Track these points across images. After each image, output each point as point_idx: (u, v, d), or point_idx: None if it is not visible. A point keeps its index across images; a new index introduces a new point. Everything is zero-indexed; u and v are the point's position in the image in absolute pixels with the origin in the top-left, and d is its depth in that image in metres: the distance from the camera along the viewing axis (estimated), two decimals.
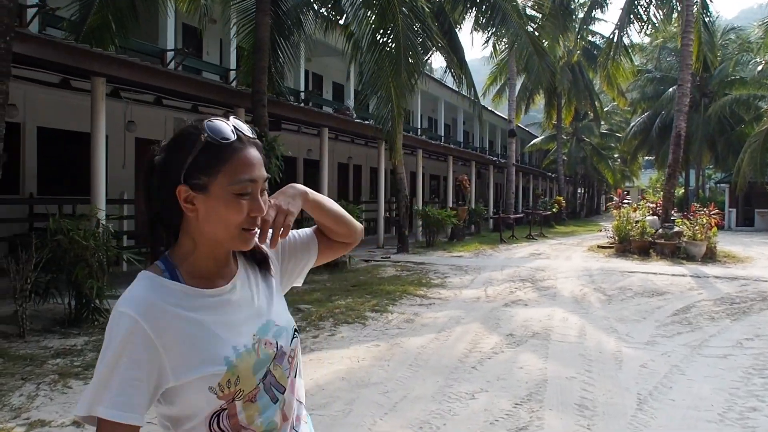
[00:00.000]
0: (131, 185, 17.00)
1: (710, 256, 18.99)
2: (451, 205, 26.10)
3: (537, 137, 53.64)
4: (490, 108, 44.58)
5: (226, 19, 15.61)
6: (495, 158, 36.66)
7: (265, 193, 1.49)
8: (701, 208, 20.67)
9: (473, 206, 29.34)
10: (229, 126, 1.45)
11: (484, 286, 13.22)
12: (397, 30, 14.15)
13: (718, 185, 51.37)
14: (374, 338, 8.12)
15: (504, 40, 19.17)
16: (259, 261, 1.64)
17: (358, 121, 17.66)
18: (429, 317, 9.73)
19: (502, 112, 44.88)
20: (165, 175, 1.44)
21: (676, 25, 47.41)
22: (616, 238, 20.85)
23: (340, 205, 1.78)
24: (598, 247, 22.33)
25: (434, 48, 18.19)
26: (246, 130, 1.49)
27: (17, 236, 10.11)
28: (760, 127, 34.31)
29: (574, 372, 6.71)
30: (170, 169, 1.43)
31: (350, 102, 22.52)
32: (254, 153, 1.47)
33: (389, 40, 14.28)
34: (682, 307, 11.02)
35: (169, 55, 16.09)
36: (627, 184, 72.18)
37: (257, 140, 1.52)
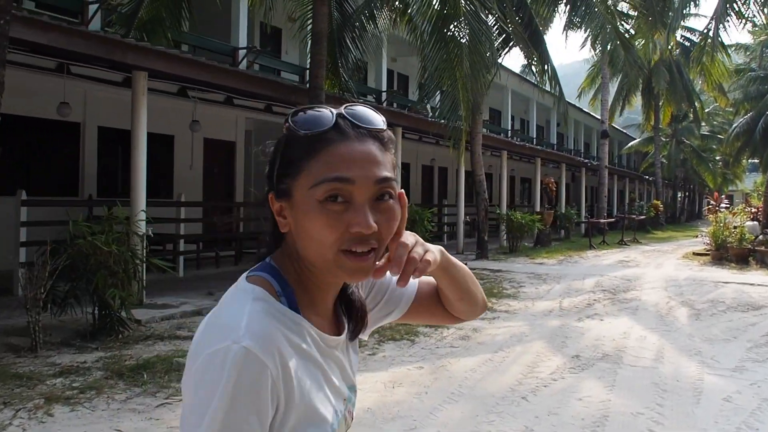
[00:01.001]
0: (198, 186, 16.84)
1: None
2: (538, 209, 25.08)
3: (635, 139, 51.81)
4: (586, 110, 43.37)
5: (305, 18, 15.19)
6: (587, 160, 35.27)
7: (392, 204, 1.12)
8: None
9: (562, 210, 28.29)
10: (328, 112, 1.13)
11: (560, 297, 12.34)
12: (459, 18, 13.28)
13: None
14: (420, 359, 7.34)
15: (589, 33, 17.88)
16: (354, 310, 1.30)
17: (433, 120, 16.85)
18: (489, 333, 8.95)
19: (599, 114, 43.64)
20: (267, 181, 1.19)
21: None
22: (713, 244, 19.52)
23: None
24: (694, 254, 21.04)
25: (513, 41, 17.27)
26: (363, 117, 1.14)
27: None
28: None
29: (643, 406, 5.82)
30: (269, 173, 1.18)
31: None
32: (362, 147, 1.11)
33: (452, 29, 13.35)
34: None
35: (241, 53, 15.80)
36: (730, 188, 69.49)
37: (383, 132, 1.15)
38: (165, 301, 9.95)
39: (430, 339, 8.38)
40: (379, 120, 1.15)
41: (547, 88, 19.21)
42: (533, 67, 17.57)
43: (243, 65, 15.07)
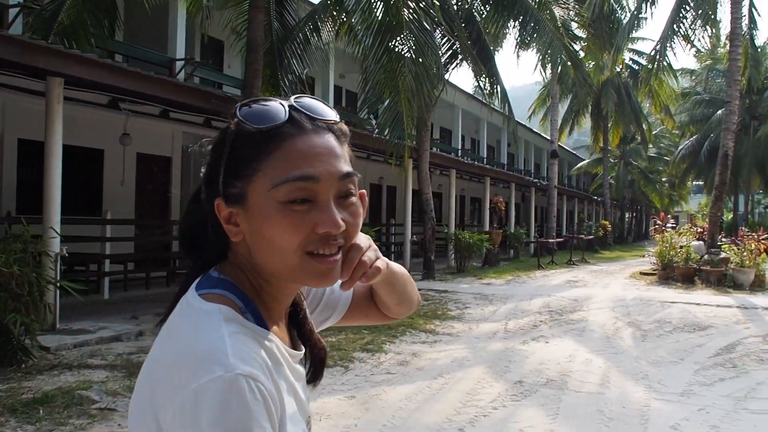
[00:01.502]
0: (130, 203, 16.19)
1: (759, 285, 17.52)
2: (487, 229, 24.85)
3: (585, 160, 52.21)
4: (537, 130, 43.54)
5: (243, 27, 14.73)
6: (536, 180, 35.26)
7: (355, 200, 1.03)
8: (750, 233, 19.20)
9: (512, 230, 28.15)
10: (279, 105, 1.01)
11: (505, 318, 12.02)
12: (402, 28, 12.81)
13: None
14: (352, 387, 6.86)
15: (539, 51, 17.66)
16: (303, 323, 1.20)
17: (377, 136, 16.45)
18: (429, 358, 8.56)
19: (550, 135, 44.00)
20: (207, 185, 1.05)
21: (722, 46, 46.26)
22: (659, 264, 19.45)
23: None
24: (641, 273, 20.97)
25: (461, 56, 16.99)
26: (317, 109, 1.04)
27: None
28: None
29: None
30: (210, 176, 1.03)
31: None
32: (322, 141, 1.01)
33: (396, 41, 12.92)
34: (726, 345, 9.72)
35: (179, 65, 15.32)
36: (676, 208, 70.50)
37: (338, 124, 1.06)
38: (82, 326, 9.23)
39: (365, 365, 7.93)
40: (333, 112, 1.06)
41: (497, 106, 19.04)
42: (482, 84, 17.27)
43: (181, 77, 14.59)
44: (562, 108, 41.32)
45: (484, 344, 9.53)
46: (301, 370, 1.12)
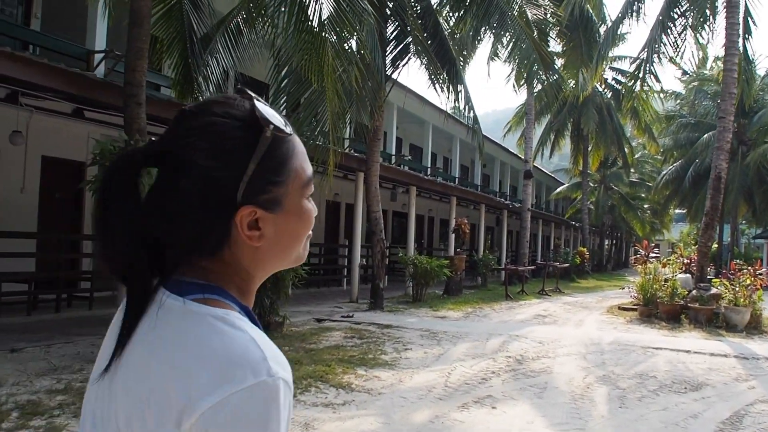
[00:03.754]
0: (33, 214, 13.94)
1: (755, 326, 15.27)
2: (453, 253, 22.43)
3: (564, 185, 50.10)
4: (514, 151, 41.40)
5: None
6: (508, 202, 32.91)
7: None
8: (743, 266, 16.91)
9: (480, 255, 25.80)
10: (269, 108, 1.03)
11: (450, 366, 9.60)
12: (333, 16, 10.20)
13: (754, 241, 47.48)
14: None
15: (508, 52, 15.34)
16: None
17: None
18: (326, 430, 6.14)
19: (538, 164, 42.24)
20: (211, 192, 0.97)
21: (711, 68, 44.46)
22: (641, 299, 17.12)
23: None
24: (619, 308, 18.64)
25: (413, 51, 14.49)
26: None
27: None
28: None
29: None
30: (220, 185, 0.98)
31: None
32: None
33: (317, 16, 10.14)
34: (729, 417, 7.38)
35: (98, 57, 12.98)
36: (657, 237, 68.79)
37: None
38: None
39: None
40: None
41: (463, 118, 16.74)
42: (438, 87, 14.81)
43: (101, 72, 12.29)
44: (540, 127, 39.24)
45: (407, 410, 7.07)
46: None
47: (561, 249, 36.89)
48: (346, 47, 10.34)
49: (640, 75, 19.84)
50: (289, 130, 1.01)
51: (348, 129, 11.58)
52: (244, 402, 0.85)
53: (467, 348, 11.25)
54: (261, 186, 0.98)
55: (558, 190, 48.84)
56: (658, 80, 23.41)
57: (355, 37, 11.07)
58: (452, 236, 22.90)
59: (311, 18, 9.04)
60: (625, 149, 42.10)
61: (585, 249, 38.53)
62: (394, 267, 23.47)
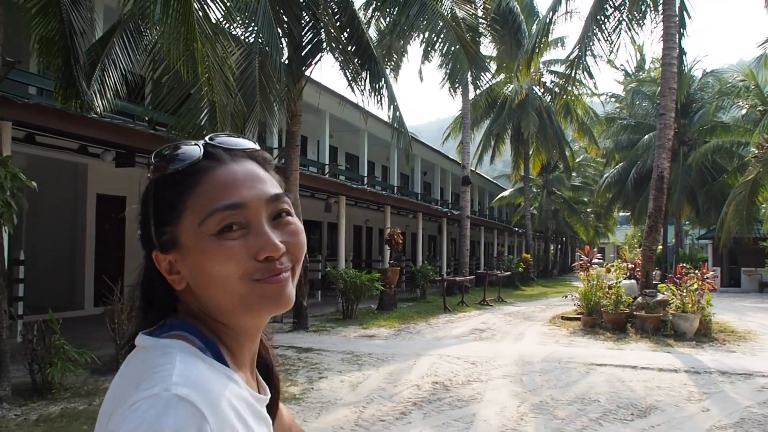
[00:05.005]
0: None
1: (704, 333, 14.38)
2: (388, 265, 21.20)
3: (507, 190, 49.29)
4: (454, 158, 40.44)
5: None
6: (447, 210, 31.83)
7: (292, 219, 1.04)
8: (690, 269, 15.99)
9: (418, 266, 24.63)
10: (193, 145, 1.03)
11: (367, 398, 8.35)
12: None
13: (698, 242, 47.26)
14: None
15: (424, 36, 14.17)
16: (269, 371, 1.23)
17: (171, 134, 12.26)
18: None
19: (482, 170, 41.30)
20: (143, 242, 1.06)
21: (649, 69, 44.16)
22: (584, 308, 16.09)
23: None
24: (562, 318, 17.61)
25: (326, 46, 13.09)
26: (231, 141, 1.07)
27: None
28: (745, 177, 30.46)
29: None
30: (144, 232, 1.05)
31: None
32: (243, 168, 1.03)
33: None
34: None
35: None
36: (602, 240, 68.76)
37: (257, 151, 1.09)
38: None
39: None
40: (248, 141, 1.09)
41: (384, 116, 15.54)
42: (349, 76, 13.47)
43: None
44: (480, 132, 38.35)
45: None
46: (267, 416, 1.05)
47: (505, 256, 35.90)
48: (222, 25, 8.92)
49: (572, 73, 18.89)
50: (178, 165, 0.98)
51: (254, 132, 10.23)
52: (126, 418, 0.83)
53: (390, 373, 10.03)
54: (159, 228, 0.99)
55: (501, 195, 47.99)
56: (591, 77, 22.37)
57: (250, 28, 9.80)
58: (393, 248, 21.60)
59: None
60: (566, 153, 41.45)
61: (529, 255, 37.70)
62: (329, 282, 22.22)
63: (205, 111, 8.76)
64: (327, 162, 24.82)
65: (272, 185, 1.03)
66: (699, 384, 9.43)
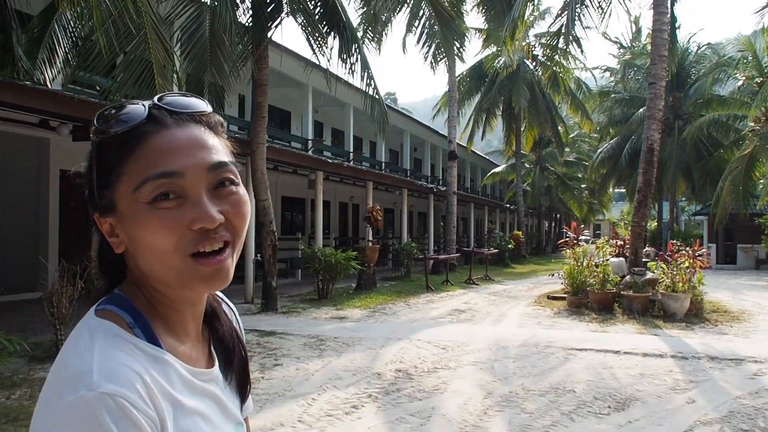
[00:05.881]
0: None
1: (695, 313, 13.63)
2: (369, 242, 20.36)
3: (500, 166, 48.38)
4: (444, 134, 39.56)
5: None
6: (432, 185, 30.94)
7: (236, 189, 1.00)
8: (681, 247, 15.22)
9: (402, 243, 23.82)
10: (139, 105, 0.98)
11: (320, 388, 7.56)
12: None
13: (694, 218, 46.53)
14: None
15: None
16: (222, 341, 1.17)
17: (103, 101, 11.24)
18: None
19: (475, 146, 40.52)
20: (88, 203, 1.03)
21: (648, 45, 43.18)
22: (569, 288, 15.32)
23: None
24: (548, 297, 16.85)
25: (288, 8, 12.10)
26: (180, 102, 1.01)
27: None
28: (741, 151, 29.80)
29: None
30: (89, 193, 1.02)
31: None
32: (185, 133, 0.98)
33: None
34: None
35: None
36: (598, 217, 68.07)
37: (207, 114, 1.02)
38: None
39: None
40: (200, 103, 1.03)
41: (358, 84, 14.67)
42: (313, 42, 12.55)
43: None
44: (470, 108, 37.43)
45: None
46: (213, 389, 1.04)
47: (495, 233, 35.09)
48: None
49: (558, 43, 18.00)
50: (119, 129, 0.94)
51: (206, 97, 9.41)
52: (53, 422, 0.82)
53: (353, 360, 9.24)
54: (99, 191, 0.97)
55: (493, 171, 47.15)
56: (579, 47, 21.50)
57: None
58: (373, 226, 20.69)
59: None
60: (559, 128, 40.57)
61: (520, 233, 36.97)
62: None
63: (140, 72, 7.91)
64: (310, 137, 23.93)
65: (217, 152, 0.98)
66: (686, 371, 8.67)
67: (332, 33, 12.79)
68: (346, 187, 28.63)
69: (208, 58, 9.77)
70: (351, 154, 26.82)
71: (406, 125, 33.79)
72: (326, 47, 12.67)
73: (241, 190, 1.00)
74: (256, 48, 12.09)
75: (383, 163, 30.48)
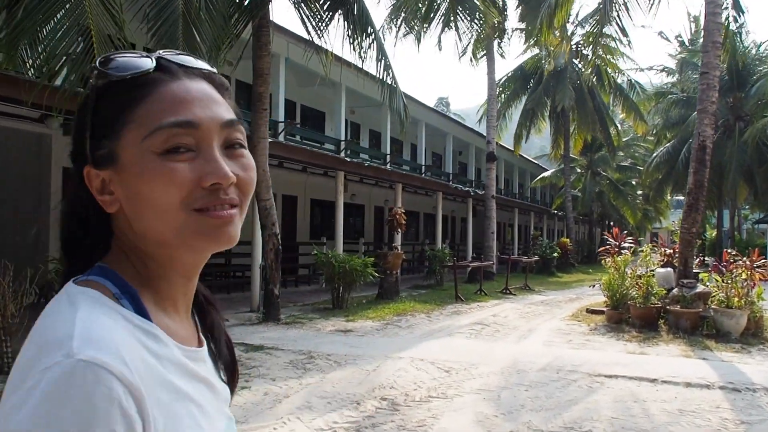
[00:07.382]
0: None
1: (754, 333, 11.89)
2: (392, 248, 18.89)
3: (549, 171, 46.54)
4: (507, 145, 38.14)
5: None
6: (469, 189, 29.31)
7: (245, 153, 0.92)
8: (736, 256, 13.46)
9: (436, 249, 22.34)
10: (146, 57, 0.90)
11: (277, 422, 6.19)
12: None
13: (758, 226, 44.05)
14: None
15: None
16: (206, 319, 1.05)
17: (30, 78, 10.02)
18: None
19: (527, 151, 39.04)
20: (74, 157, 0.92)
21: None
22: (609, 301, 13.69)
23: None
24: (587, 311, 15.18)
25: None
26: (186, 58, 0.93)
27: None
28: None
29: None
30: (77, 145, 0.92)
31: None
32: (198, 86, 0.90)
33: None
34: None
35: None
36: (654, 225, 65.29)
37: (214, 74, 0.94)
38: None
39: None
40: (204, 63, 0.95)
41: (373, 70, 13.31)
42: (310, 21, 11.21)
43: None
44: (517, 111, 35.85)
45: None
46: (202, 372, 0.92)
47: (540, 240, 33.35)
48: None
49: (599, 30, 16.34)
50: (127, 73, 0.86)
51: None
52: (27, 393, 0.72)
53: (336, 383, 7.81)
54: (96, 141, 0.88)
55: (542, 175, 45.35)
56: (625, 34, 19.76)
57: None
58: (395, 230, 19.14)
59: None
60: (611, 130, 38.62)
61: (568, 240, 35.17)
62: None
63: (76, 39, 6.62)
64: (342, 138, 22.63)
65: (227, 110, 0.91)
66: (737, 407, 7.05)
67: (335, 11, 11.44)
68: (381, 190, 27.28)
69: (180, 36, 8.49)
70: (388, 156, 25.49)
71: (449, 128, 32.37)
72: (326, 29, 11.31)
73: (250, 155, 0.92)
74: (244, 27, 10.80)
75: (423, 167, 29.11)
